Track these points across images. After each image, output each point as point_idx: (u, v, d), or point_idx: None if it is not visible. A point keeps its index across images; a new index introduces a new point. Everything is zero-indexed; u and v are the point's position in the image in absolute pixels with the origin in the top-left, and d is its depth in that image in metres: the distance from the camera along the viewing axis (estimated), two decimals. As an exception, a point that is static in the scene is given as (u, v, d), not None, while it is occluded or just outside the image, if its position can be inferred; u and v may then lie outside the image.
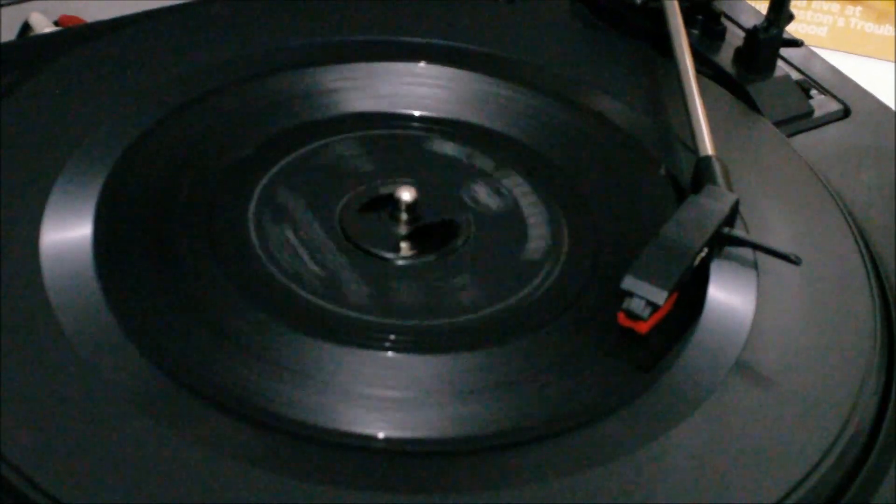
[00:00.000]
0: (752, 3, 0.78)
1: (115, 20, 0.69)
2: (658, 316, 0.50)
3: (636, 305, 0.50)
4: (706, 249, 0.53)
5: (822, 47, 0.93)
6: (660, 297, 0.50)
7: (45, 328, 0.48)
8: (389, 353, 0.50)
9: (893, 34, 0.96)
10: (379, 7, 0.70)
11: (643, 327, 0.50)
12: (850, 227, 0.59)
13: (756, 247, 0.54)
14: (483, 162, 0.62)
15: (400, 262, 0.56)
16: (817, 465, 0.47)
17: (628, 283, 0.50)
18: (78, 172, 0.56)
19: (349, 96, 0.65)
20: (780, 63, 0.71)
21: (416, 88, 0.66)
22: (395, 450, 0.47)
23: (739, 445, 0.48)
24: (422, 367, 0.50)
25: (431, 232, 0.57)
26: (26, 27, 0.74)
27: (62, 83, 0.62)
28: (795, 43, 0.72)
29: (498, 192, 0.60)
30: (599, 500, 0.45)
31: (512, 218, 0.59)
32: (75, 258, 0.52)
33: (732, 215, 0.54)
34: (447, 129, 0.64)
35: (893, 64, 0.95)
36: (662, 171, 0.62)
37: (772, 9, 0.69)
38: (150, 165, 0.58)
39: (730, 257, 0.55)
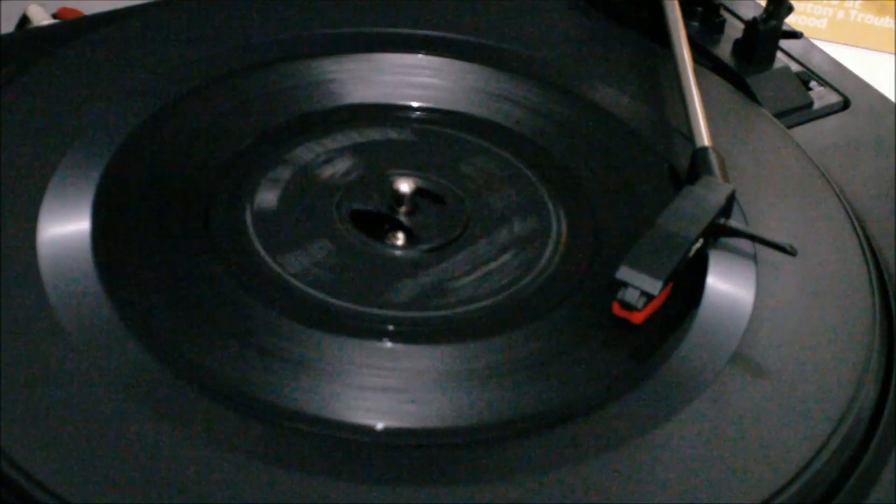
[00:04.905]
0: (752, -5, 0.78)
1: (113, 13, 0.69)
2: (653, 307, 0.50)
3: (631, 296, 0.50)
4: (702, 240, 0.53)
5: (822, 39, 0.93)
6: (654, 287, 0.49)
7: (44, 323, 0.48)
8: (388, 344, 0.50)
9: (893, 26, 0.96)
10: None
11: (638, 318, 0.50)
12: (850, 218, 0.59)
13: (752, 237, 0.54)
14: (481, 152, 0.62)
15: (398, 253, 0.56)
16: (816, 455, 0.47)
17: (623, 273, 0.50)
18: (76, 165, 0.56)
19: (347, 87, 0.65)
20: (779, 55, 0.71)
21: (414, 79, 0.66)
22: (393, 441, 0.47)
23: (737, 436, 0.48)
24: (419, 357, 0.50)
25: (429, 223, 0.57)
26: (25, 20, 0.74)
27: (60, 76, 0.62)
28: (795, 35, 0.72)
29: (496, 183, 0.60)
30: (597, 492, 0.45)
31: (510, 208, 0.59)
32: (74, 252, 0.52)
33: (728, 206, 0.54)
34: (445, 119, 0.64)
35: (893, 56, 0.94)
36: (663, 164, 0.61)
37: (771, 1, 0.69)
38: (148, 157, 0.58)
39: (729, 248, 0.55)
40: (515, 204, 0.59)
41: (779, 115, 0.68)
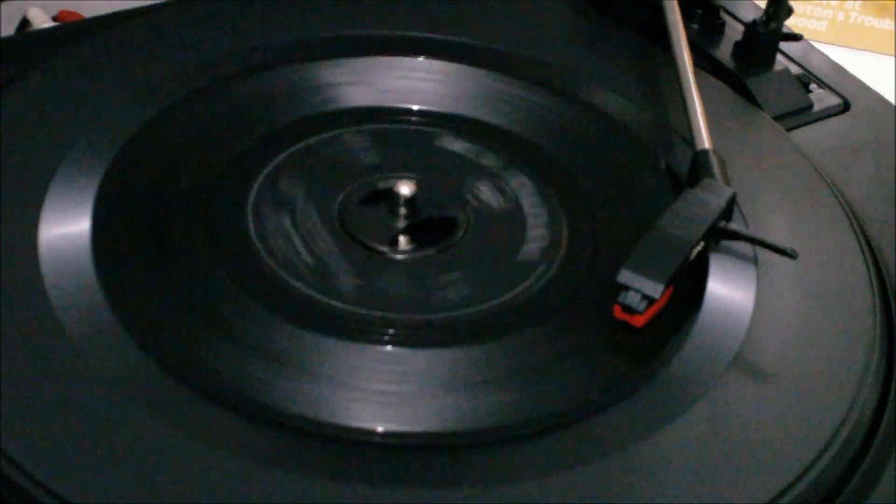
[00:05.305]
0: (751, -2, 0.78)
1: (114, 15, 0.69)
2: (654, 310, 0.50)
3: (632, 299, 0.50)
4: (702, 243, 0.53)
5: (822, 41, 0.93)
6: (655, 290, 0.49)
7: (44, 324, 0.48)
8: (388, 348, 0.50)
9: (893, 28, 0.96)
10: (378, 1, 0.70)
11: (639, 321, 0.50)
12: (850, 221, 0.59)
13: (752, 241, 0.54)
14: (481, 156, 0.62)
15: (399, 257, 0.56)
16: (817, 459, 0.47)
17: (624, 276, 0.50)
18: (76, 167, 0.56)
19: (349, 91, 0.65)
20: (779, 57, 0.71)
21: (415, 83, 0.66)
22: (393, 444, 0.47)
23: (738, 440, 0.48)
24: (420, 361, 0.50)
25: (430, 226, 0.57)
26: (25, 22, 0.74)
27: (61, 78, 0.62)
28: (795, 37, 0.72)
29: (496, 187, 0.60)
30: (598, 495, 0.45)
31: (510, 212, 0.59)
32: (74, 253, 0.52)
33: (729, 209, 0.54)
34: (446, 123, 0.64)
35: (893, 58, 0.94)
36: (662, 166, 0.61)
37: (771, 3, 0.69)
38: (149, 159, 0.58)
39: (729, 251, 0.55)
40: (515, 207, 0.59)
41: (779, 118, 0.67)
